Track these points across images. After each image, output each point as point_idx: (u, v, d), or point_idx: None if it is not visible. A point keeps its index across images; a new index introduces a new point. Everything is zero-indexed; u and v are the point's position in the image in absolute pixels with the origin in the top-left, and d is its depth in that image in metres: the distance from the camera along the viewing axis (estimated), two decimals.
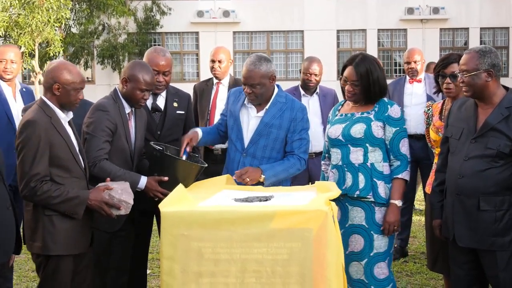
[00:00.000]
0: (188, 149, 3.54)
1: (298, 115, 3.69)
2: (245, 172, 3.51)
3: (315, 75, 5.23)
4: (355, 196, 3.49)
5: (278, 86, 3.75)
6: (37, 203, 3.07)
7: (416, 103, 5.59)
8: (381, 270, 3.50)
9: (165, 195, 3.31)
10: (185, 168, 3.41)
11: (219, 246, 2.80)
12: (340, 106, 3.73)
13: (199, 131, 3.70)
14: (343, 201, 3.53)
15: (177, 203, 2.94)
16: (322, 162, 3.81)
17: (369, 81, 3.48)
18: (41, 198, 3.03)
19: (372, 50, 21.38)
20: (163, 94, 4.05)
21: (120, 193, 3.20)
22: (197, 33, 22.13)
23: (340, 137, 3.54)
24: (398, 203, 3.49)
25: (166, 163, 3.40)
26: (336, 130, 3.57)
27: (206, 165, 3.59)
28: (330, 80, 18.38)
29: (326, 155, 3.78)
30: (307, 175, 5.18)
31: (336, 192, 3.16)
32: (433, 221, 3.46)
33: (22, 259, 5.57)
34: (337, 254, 2.84)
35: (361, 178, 3.48)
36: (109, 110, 3.43)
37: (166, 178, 3.38)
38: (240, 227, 2.80)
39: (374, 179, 3.48)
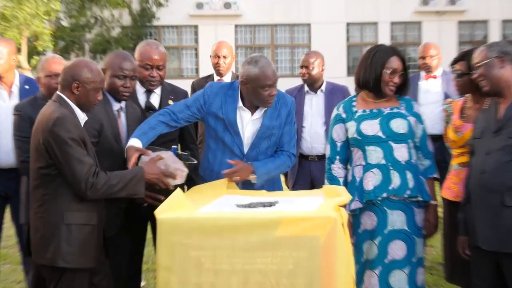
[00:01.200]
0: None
1: (291, 109, 3.77)
2: (236, 171, 3.52)
3: (306, 67, 5.20)
4: (406, 196, 3.53)
5: None
6: (100, 197, 3.08)
7: (432, 101, 5.58)
8: (422, 277, 3.58)
9: (156, 199, 3.32)
10: None
11: (220, 256, 2.79)
12: (354, 102, 3.74)
13: (136, 141, 3.48)
14: (380, 205, 3.56)
15: (175, 209, 2.93)
16: (333, 165, 3.79)
17: (408, 72, 3.65)
18: (103, 190, 3.05)
19: None
20: (158, 91, 4.04)
21: (173, 161, 3.24)
22: (196, 26, 22.16)
23: (380, 134, 3.57)
24: (436, 203, 3.64)
25: None
26: (371, 127, 3.59)
27: (195, 161, 3.61)
28: (339, 76, 18.38)
29: (337, 157, 3.77)
30: (309, 179, 5.18)
31: (347, 197, 3.15)
32: (459, 238, 3.47)
33: (7, 269, 5.56)
34: (347, 265, 2.83)
35: (409, 176, 3.55)
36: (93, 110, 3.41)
37: None
38: (242, 235, 2.79)
39: (420, 177, 3.59)
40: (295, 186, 5.22)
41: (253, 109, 3.70)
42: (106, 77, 3.50)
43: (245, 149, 3.70)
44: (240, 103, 3.69)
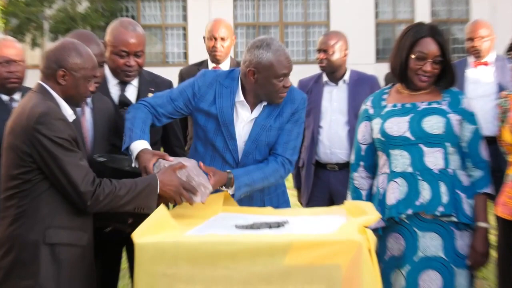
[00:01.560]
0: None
1: (299, 107, 3.77)
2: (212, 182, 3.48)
3: (325, 51, 5.18)
4: (437, 213, 3.51)
5: None
6: (102, 210, 3.11)
7: (482, 94, 5.60)
8: None
9: (121, 221, 3.36)
10: None
11: None
12: (386, 95, 3.75)
13: (144, 144, 3.52)
14: (409, 225, 3.55)
15: (157, 231, 2.94)
16: (355, 173, 3.81)
17: (448, 58, 3.59)
18: (106, 202, 3.08)
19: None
20: (135, 82, 4.06)
21: (197, 173, 3.28)
22: None
23: (408, 134, 3.56)
24: (487, 226, 3.56)
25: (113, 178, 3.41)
26: (398, 125, 3.58)
27: None
28: (365, 63, 18.41)
29: (361, 163, 3.78)
30: (328, 194, 5.16)
31: (374, 216, 3.16)
32: None
33: None
34: None
35: (443, 189, 3.52)
36: None
37: None
38: (243, 264, 2.79)
39: (457, 191, 3.54)
40: (310, 203, 5.22)
41: (252, 106, 3.72)
42: None
43: (239, 156, 3.72)
44: (240, 96, 3.69)
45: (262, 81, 3.60)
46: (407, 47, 3.58)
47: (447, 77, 3.62)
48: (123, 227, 3.44)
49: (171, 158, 3.39)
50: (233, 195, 3.59)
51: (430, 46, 3.56)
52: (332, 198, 5.16)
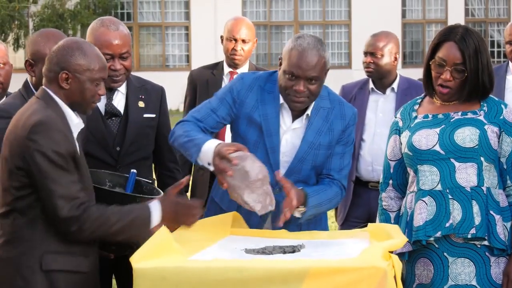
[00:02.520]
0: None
1: (351, 123, 3.78)
2: (292, 197, 3.46)
3: (372, 54, 5.12)
4: (469, 236, 3.50)
5: None
6: (90, 239, 3.11)
7: None
8: None
9: (102, 247, 3.36)
10: (122, 203, 3.37)
11: None
12: (417, 105, 3.76)
13: (216, 141, 3.54)
14: (439, 249, 3.55)
15: (158, 254, 2.95)
16: (384, 194, 3.81)
17: (478, 66, 3.53)
18: (93, 229, 3.05)
19: (457, 22, 21.35)
20: (122, 89, 4.07)
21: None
22: None
23: (438, 148, 3.56)
24: None
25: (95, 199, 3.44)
26: (427, 138, 3.58)
27: (161, 194, 3.60)
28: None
29: (390, 181, 3.80)
30: (367, 214, 5.09)
31: (401, 240, 3.18)
32: None
33: None
34: None
35: (476, 209, 3.51)
36: (13, 116, 3.33)
37: None
38: None
39: (491, 212, 3.52)
40: (345, 223, 5.19)
41: (294, 112, 3.72)
42: (34, 70, 3.51)
43: (281, 173, 3.67)
44: (282, 100, 3.69)
45: (280, 74, 3.64)
46: (429, 52, 3.61)
47: (478, 86, 3.55)
48: (104, 252, 3.47)
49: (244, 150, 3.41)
50: (298, 218, 3.57)
51: (449, 52, 3.53)
52: (371, 218, 5.11)
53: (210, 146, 3.43)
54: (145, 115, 4.06)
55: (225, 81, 5.10)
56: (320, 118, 3.71)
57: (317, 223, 3.83)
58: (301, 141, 3.70)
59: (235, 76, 3.83)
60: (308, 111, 3.69)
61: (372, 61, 5.06)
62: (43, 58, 3.37)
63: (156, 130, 4.13)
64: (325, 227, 3.93)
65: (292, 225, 3.63)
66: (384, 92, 5.16)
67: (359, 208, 5.13)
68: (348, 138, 3.78)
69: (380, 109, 5.15)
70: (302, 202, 3.53)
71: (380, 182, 3.88)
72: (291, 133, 3.71)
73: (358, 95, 5.14)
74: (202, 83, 5.16)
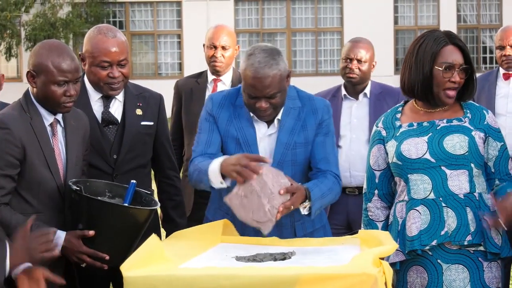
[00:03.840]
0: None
1: (325, 116, 3.78)
2: (293, 191, 3.45)
3: (358, 61, 5.15)
4: (465, 243, 3.52)
5: None
6: None
7: None
8: None
9: (96, 257, 3.37)
10: (122, 215, 3.44)
11: None
12: (399, 114, 3.76)
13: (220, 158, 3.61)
14: (432, 257, 3.56)
15: (149, 263, 2.96)
16: (369, 204, 3.81)
17: (472, 65, 3.64)
18: None
19: (449, 28, 21.40)
20: (120, 97, 4.06)
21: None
22: (179, 3, 22.32)
23: (428, 156, 3.56)
24: None
25: (91, 210, 3.43)
26: (416, 146, 3.59)
27: (158, 205, 3.65)
28: (383, 75, 18.41)
29: (376, 191, 3.81)
30: (346, 221, 5.13)
31: (391, 246, 3.18)
32: None
33: None
34: None
35: (471, 216, 3.53)
36: (11, 127, 3.41)
37: (91, 233, 3.40)
38: None
39: (485, 217, 3.52)
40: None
41: (269, 121, 3.74)
42: (35, 81, 3.54)
43: None
44: (251, 114, 3.72)
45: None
46: (428, 59, 3.61)
47: (468, 87, 3.64)
48: (97, 263, 3.46)
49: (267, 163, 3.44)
50: (307, 215, 3.56)
51: (454, 55, 3.58)
52: (350, 225, 5.13)
53: (214, 166, 3.50)
54: (143, 123, 4.06)
55: (209, 89, 5.13)
56: (292, 119, 3.73)
57: (314, 221, 3.80)
58: (275, 144, 3.71)
59: (206, 100, 3.85)
60: (279, 116, 3.72)
61: (358, 68, 5.08)
62: (45, 69, 3.44)
63: (154, 138, 4.12)
64: (327, 231, 3.92)
65: (285, 226, 3.68)
66: (357, 98, 5.17)
67: (338, 215, 5.13)
68: (327, 129, 3.77)
69: (354, 115, 5.16)
70: (305, 197, 3.52)
71: (364, 192, 3.87)
72: (267, 139, 3.74)
73: (332, 103, 5.11)
74: (187, 92, 5.19)
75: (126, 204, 3.53)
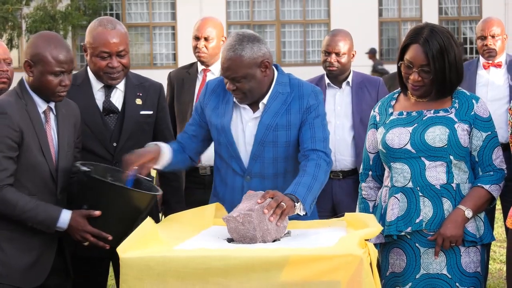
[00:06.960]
0: (141, 171, 3.54)
1: (311, 102, 3.70)
2: (276, 203, 3.30)
3: (337, 54, 5.17)
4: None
5: (277, 67, 3.77)
6: None
7: (494, 97, 5.59)
8: None
9: (99, 237, 3.38)
10: (127, 198, 3.44)
11: None
12: (394, 101, 3.76)
13: (164, 147, 3.68)
14: (411, 240, 3.56)
15: (144, 245, 2.96)
16: (363, 184, 3.83)
17: (445, 65, 3.52)
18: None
19: (431, 20, 21.40)
20: (121, 86, 4.05)
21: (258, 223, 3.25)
22: None
23: (409, 147, 3.56)
24: (468, 213, 3.51)
25: (98, 191, 3.43)
26: (399, 137, 3.58)
27: (160, 192, 3.64)
28: (369, 65, 18.43)
29: (370, 172, 3.81)
30: (330, 204, 5.13)
31: (376, 229, 3.19)
32: None
33: None
34: None
35: (447, 205, 3.53)
36: (9, 112, 3.44)
37: (97, 213, 3.41)
38: (236, 280, 2.81)
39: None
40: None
41: (255, 105, 3.72)
42: (32, 71, 3.55)
43: (245, 163, 3.69)
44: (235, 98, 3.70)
45: None
46: (399, 53, 3.61)
47: (445, 84, 3.54)
48: (100, 243, 3.46)
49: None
50: (305, 214, 3.48)
51: (415, 54, 3.53)
52: (335, 209, 5.13)
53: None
54: (142, 112, 4.06)
55: (199, 79, 5.14)
56: (278, 103, 3.69)
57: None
58: (258, 125, 3.68)
59: (205, 87, 3.86)
60: (264, 100, 3.69)
61: (337, 61, 5.09)
62: (42, 60, 3.48)
63: (154, 126, 4.13)
64: (314, 214, 3.80)
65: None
66: (340, 87, 5.19)
67: (323, 199, 5.09)
68: (315, 113, 3.70)
69: (338, 103, 5.17)
70: (292, 200, 3.38)
71: (360, 172, 3.89)
72: (253, 122, 3.71)
73: None
74: (179, 82, 5.19)
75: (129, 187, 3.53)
